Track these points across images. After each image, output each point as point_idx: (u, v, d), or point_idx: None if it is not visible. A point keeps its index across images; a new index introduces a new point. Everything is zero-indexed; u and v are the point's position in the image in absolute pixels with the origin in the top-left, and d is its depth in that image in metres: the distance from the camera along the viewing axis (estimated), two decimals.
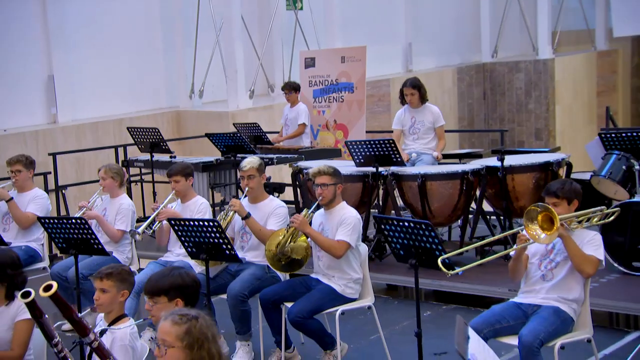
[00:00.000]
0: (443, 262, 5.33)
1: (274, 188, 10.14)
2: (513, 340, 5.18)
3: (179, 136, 12.92)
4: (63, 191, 10.19)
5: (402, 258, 5.59)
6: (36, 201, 7.90)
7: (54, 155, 10.35)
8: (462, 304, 7.97)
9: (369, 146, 8.42)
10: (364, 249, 6.45)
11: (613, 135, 8.39)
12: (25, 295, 4.05)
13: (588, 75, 18.69)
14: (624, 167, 7.79)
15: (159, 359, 3.59)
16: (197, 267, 7.15)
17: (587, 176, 8.65)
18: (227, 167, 10.12)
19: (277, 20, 14.77)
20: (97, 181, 8.97)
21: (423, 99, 9.41)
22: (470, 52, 18.77)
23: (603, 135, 8.51)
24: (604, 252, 5.40)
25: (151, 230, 7.20)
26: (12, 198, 7.78)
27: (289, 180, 10.41)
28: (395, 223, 5.57)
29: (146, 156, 10.41)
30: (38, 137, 11.84)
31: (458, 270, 5.39)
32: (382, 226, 5.70)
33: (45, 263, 8.04)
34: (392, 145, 8.31)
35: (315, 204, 6.47)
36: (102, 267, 5.06)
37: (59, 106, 12.32)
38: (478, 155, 9.67)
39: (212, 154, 10.68)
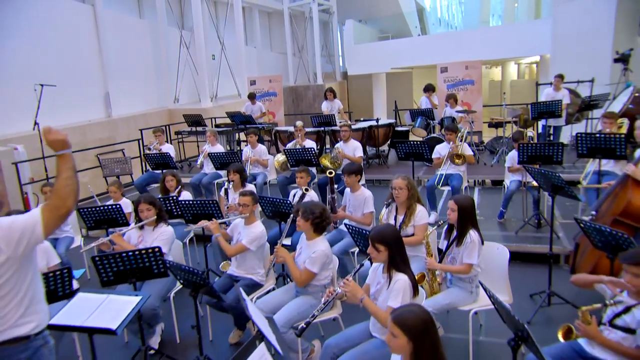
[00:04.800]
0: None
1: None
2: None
3: (170, 122, 12.17)
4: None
5: (403, 159, 5.76)
6: (171, 150, 7.53)
7: (140, 130, 9.73)
8: None
9: (321, 117, 8.31)
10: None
11: (415, 111, 8.73)
12: None
13: (341, 92, 18.77)
14: (425, 122, 8.32)
15: (397, 198, 3.83)
16: (272, 174, 7.15)
17: (406, 128, 9.20)
18: (235, 132, 9.69)
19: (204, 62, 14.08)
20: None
21: (334, 96, 9.29)
22: (300, 79, 18.68)
23: (410, 110, 8.92)
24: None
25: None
26: (160, 149, 7.39)
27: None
28: (407, 143, 5.70)
29: (188, 129, 9.84)
30: (109, 124, 10.96)
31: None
32: (397, 144, 5.78)
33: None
34: (333, 117, 8.30)
35: (342, 141, 6.52)
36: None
37: (112, 108, 11.41)
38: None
39: None
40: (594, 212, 4.33)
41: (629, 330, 2.52)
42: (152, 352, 3.74)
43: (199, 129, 9.66)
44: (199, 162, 7.49)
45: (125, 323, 2.47)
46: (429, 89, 9.29)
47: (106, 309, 2.59)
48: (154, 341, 3.87)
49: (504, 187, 5.94)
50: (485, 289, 2.42)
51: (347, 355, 2.80)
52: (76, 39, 10.56)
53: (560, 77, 8.13)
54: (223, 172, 7.18)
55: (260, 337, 2.39)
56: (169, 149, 7.58)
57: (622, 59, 9.09)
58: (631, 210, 3.71)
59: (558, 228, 5.32)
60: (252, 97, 10.43)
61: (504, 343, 3.63)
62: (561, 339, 2.80)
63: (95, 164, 9.15)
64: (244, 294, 2.85)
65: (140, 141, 9.46)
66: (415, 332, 1.93)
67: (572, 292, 4.11)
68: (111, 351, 3.90)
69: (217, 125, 10.47)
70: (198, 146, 10.41)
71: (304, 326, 2.78)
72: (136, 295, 2.69)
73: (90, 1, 10.89)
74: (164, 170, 6.89)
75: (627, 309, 2.56)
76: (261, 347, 2.01)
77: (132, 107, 12.10)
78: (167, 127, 10.30)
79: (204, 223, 4.11)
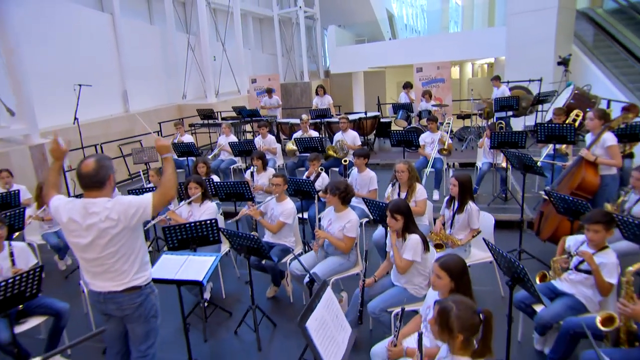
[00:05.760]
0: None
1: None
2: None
3: (179, 116, 12.22)
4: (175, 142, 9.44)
5: (395, 145, 5.87)
6: (191, 140, 7.55)
7: (159, 123, 9.74)
8: None
9: (320, 111, 8.30)
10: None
11: (396, 104, 8.92)
12: None
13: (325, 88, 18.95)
14: (405, 115, 8.52)
15: (400, 179, 3.98)
16: (280, 160, 7.28)
17: (389, 119, 9.24)
18: (243, 124, 9.66)
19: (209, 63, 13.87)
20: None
21: (325, 92, 9.33)
22: (288, 77, 18.63)
23: (392, 104, 9.09)
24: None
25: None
26: (182, 140, 7.37)
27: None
28: (399, 132, 5.81)
29: (200, 121, 9.80)
30: (127, 118, 10.70)
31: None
32: (391, 133, 5.84)
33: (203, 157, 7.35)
34: (329, 111, 8.40)
35: (340, 131, 6.56)
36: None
37: (129, 104, 11.27)
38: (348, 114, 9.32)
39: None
40: (547, 188, 4.75)
41: (590, 272, 2.91)
42: (206, 304, 3.98)
43: (210, 121, 9.71)
44: (214, 154, 7.59)
45: (209, 275, 2.72)
46: (407, 86, 9.55)
47: (189, 266, 2.83)
48: (206, 296, 4.11)
49: (477, 168, 6.29)
50: (487, 243, 2.75)
51: (374, 301, 3.09)
52: (98, 44, 10.44)
53: (497, 77, 8.71)
54: (237, 158, 7.32)
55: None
56: (189, 139, 7.67)
57: (563, 62, 9.58)
58: (584, 185, 4.11)
59: (520, 200, 5.70)
60: (269, 91, 10.42)
61: (487, 290, 4.04)
62: (538, 282, 3.20)
63: (117, 154, 9.15)
64: (296, 255, 3.11)
65: (160, 133, 9.47)
66: (456, 273, 2.22)
67: (536, 250, 4.53)
68: (170, 304, 4.10)
69: (223, 119, 10.53)
70: (210, 137, 10.45)
71: (360, 309, 3.07)
72: (211, 256, 2.93)
73: (110, 10, 10.72)
74: (189, 158, 7.07)
75: None
76: (328, 290, 2.29)
77: (146, 103, 11.98)
78: (182, 120, 10.31)
79: (245, 212, 4.21)
